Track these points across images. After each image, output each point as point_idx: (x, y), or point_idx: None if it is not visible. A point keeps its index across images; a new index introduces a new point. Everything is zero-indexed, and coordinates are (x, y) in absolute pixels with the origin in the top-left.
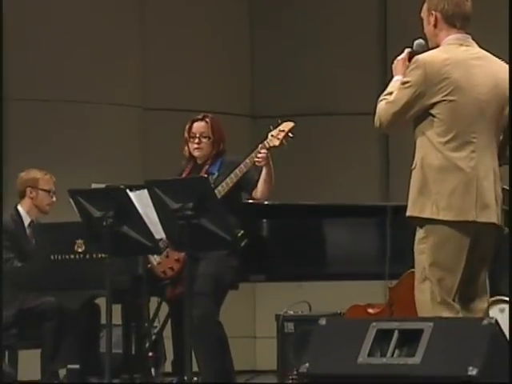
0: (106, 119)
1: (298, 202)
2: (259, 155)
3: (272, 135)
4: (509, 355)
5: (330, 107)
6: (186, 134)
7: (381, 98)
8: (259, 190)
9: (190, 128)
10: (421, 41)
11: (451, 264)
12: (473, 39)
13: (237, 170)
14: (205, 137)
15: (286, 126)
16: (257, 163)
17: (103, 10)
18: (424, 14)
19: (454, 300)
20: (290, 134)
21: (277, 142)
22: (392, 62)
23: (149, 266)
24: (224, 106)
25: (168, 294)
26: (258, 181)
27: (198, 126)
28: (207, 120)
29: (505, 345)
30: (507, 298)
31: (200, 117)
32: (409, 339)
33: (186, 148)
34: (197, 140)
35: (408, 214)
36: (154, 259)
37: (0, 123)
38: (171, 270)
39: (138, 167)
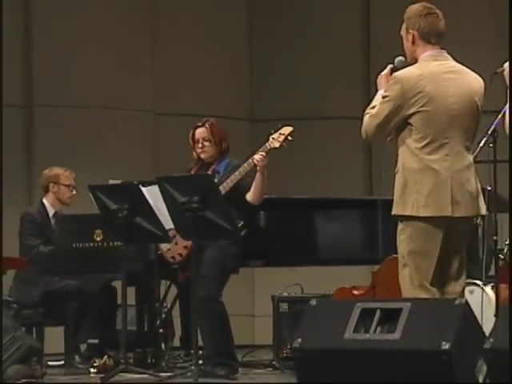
0: (122, 123)
1: (292, 196)
2: (260, 156)
3: (273, 138)
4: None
5: (322, 112)
6: (190, 141)
7: (366, 111)
8: (251, 194)
9: (193, 134)
10: (401, 58)
11: (427, 252)
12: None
13: (241, 169)
14: (206, 140)
15: (286, 129)
16: (256, 163)
17: (120, 24)
18: (403, 32)
19: (431, 284)
20: (289, 138)
21: (277, 144)
22: (376, 76)
23: (159, 252)
24: (224, 110)
25: (180, 277)
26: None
27: (200, 132)
28: (207, 126)
29: (474, 322)
30: (476, 281)
31: (200, 123)
32: (389, 317)
33: (194, 152)
34: (200, 145)
35: (393, 213)
36: (165, 246)
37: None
38: (180, 256)
39: (149, 165)
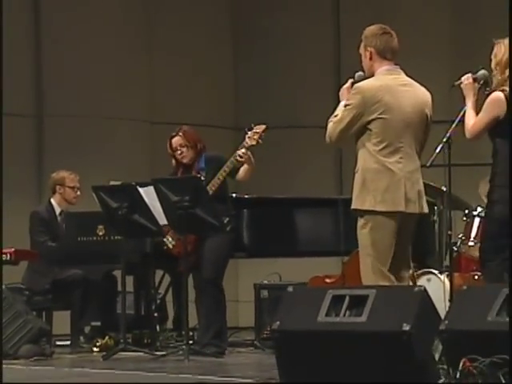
0: (121, 131)
1: (271, 196)
2: (241, 154)
3: (249, 137)
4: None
5: (298, 121)
6: (169, 150)
7: (329, 120)
8: (241, 176)
9: (171, 144)
10: (360, 73)
11: (385, 243)
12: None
13: (225, 167)
14: (183, 146)
15: (260, 127)
16: (239, 160)
17: (120, 40)
18: (361, 50)
19: (388, 271)
20: (262, 134)
21: (254, 142)
22: (339, 89)
23: (165, 247)
24: (211, 119)
25: (181, 268)
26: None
27: (175, 141)
28: (180, 134)
29: (431, 307)
30: (433, 270)
31: (174, 133)
32: (357, 303)
33: (173, 159)
34: (179, 151)
35: (352, 207)
36: (170, 242)
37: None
38: (185, 250)
39: (146, 168)
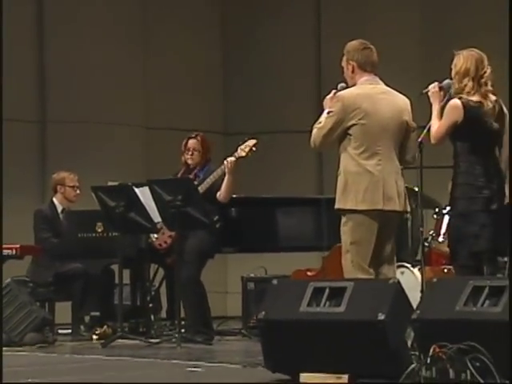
0: (119, 135)
1: (258, 196)
2: (230, 162)
3: (241, 148)
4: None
5: (283, 126)
6: (182, 148)
7: (314, 126)
8: (221, 193)
9: (186, 143)
10: (343, 84)
11: (366, 240)
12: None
13: (215, 173)
14: (196, 150)
15: (251, 142)
16: (226, 163)
17: (118, 50)
18: (344, 63)
19: (368, 266)
20: (253, 148)
21: (244, 154)
22: (323, 99)
23: (150, 241)
24: (202, 124)
25: (167, 261)
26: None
27: (192, 143)
28: (198, 138)
29: (404, 298)
30: (406, 264)
31: (193, 135)
32: (336, 294)
33: (183, 157)
34: (190, 152)
35: (336, 206)
36: (153, 236)
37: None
38: (165, 243)
39: (141, 170)
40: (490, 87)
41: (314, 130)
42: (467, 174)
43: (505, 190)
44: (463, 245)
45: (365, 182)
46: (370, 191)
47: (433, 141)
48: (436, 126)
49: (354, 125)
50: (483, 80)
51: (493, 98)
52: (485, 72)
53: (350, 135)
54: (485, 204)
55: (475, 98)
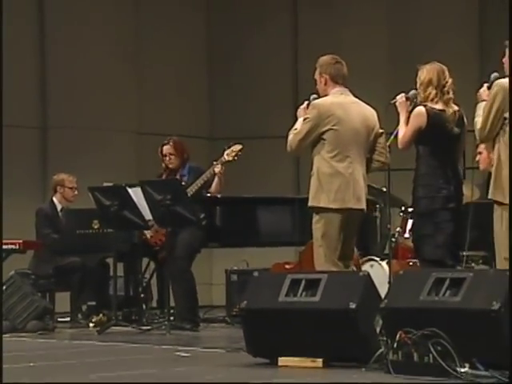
0: (113, 140)
1: (240, 196)
2: (218, 168)
3: (227, 153)
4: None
5: (265, 132)
6: (159, 154)
7: (290, 132)
8: (213, 189)
9: (162, 150)
10: (315, 95)
11: (335, 236)
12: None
13: (204, 176)
14: (172, 154)
15: (237, 147)
16: (216, 172)
17: (113, 63)
18: (317, 76)
19: (338, 259)
20: (239, 153)
21: (230, 158)
22: (297, 109)
23: (144, 237)
24: (188, 130)
25: (160, 257)
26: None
27: (166, 148)
28: (171, 143)
29: (373, 288)
30: (375, 258)
31: (166, 141)
32: (312, 285)
33: (163, 163)
34: (167, 158)
35: (309, 204)
36: (148, 233)
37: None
38: (160, 241)
39: (134, 172)
40: (451, 95)
41: (290, 136)
42: (428, 175)
43: (462, 190)
44: (426, 241)
45: (337, 182)
46: (342, 191)
47: (400, 146)
48: (402, 132)
49: (328, 130)
50: (445, 89)
51: (455, 107)
52: (446, 82)
53: (324, 140)
54: (444, 203)
55: (438, 106)
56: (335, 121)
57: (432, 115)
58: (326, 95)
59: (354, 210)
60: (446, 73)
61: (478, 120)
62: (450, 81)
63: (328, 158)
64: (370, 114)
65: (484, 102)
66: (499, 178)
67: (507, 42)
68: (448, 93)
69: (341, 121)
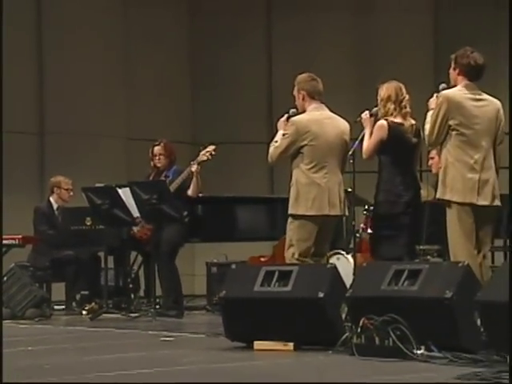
0: (105, 145)
1: (219, 195)
2: (195, 167)
3: (202, 154)
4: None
5: (241, 138)
6: (150, 154)
7: (271, 144)
8: (191, 191)
9: (152, 150)
10: (294, 110)
11: (308, 238)
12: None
13: (182, 175)
14: (161, 155)
15: (210, 148)
16: (193, 171)
17: (105, 75)
18: (295, 92)
19: (310, 257)
20: (213, 153)
21: (205, 158)
22: (277, 121)
23: (132, 232)
24: (173, 135)
25: (147, 250)
26: (189, 185)
27: (157, 149)
28: (162, 145)
29: (339, 279)
30: (341, 251)
31: (157, 143)
32: (284, 276)
33: (152, 162)
34: (157, 158)
35: (289, 212)
36: (135, 228)
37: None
38: (146, 235)
39: (123, 174)
40: (408, 110)
41: (271, 148)
42: (389, 182)
43: (420, 195)
44: (385, 242)
45: (313, 192)
46: (318, 200)
47: (364, 156)
48: (366, 144)
49: (305, 145)
50: (403, 104)
51: (412, 121)
52: (404, 97)
53: (302, 153)
54: (403, 208)
55: (398, 120)
56: (311, 137)
57: (392, 128)
58: (304, 110)
59: (330, 216)
60: (403, 89)
61: (427, 127)
62: (406, 96)
63: (305, 169)
64: (344, 127)
65: (432, 111)
66: (446, 178)
67: (453, 56)
68: (405, 107)
69: (317, 136)
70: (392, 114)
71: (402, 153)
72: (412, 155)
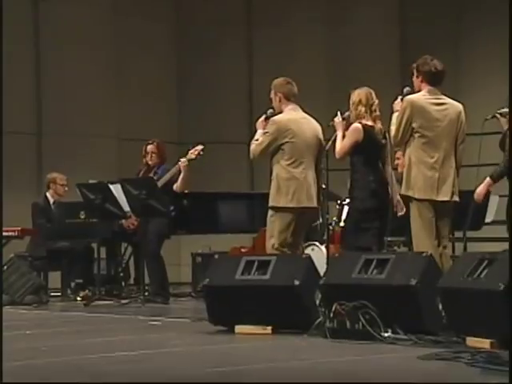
0: (98, 145)
1: (204, 191)
2: (183, 164)
3: (191, 152)
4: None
5: (224, 138)
6: (143, 152)
7: (252, 142)
8: (178, 186)
9: (146, 148)
10: (271, 110)
11: (288, 228)
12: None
13: (171, 171)
14: (153, 152)
15: (199, 147)
16: (181, 168)
17: (98, 82)
18: (272, 95)
19: (284, 247)
20: (201, 152)
21: (193, 156)
22: (256, 121)
23: (120, 223)
24: (160, 135)
25: (135, 240)
26: (177, 180)
27: (150, 147)
28: (155, 144)
29: (314, 268)
30: (315, 242)
31: (151, 142)
32: (263, 265)
33: (144, 159)
34: (149, 155)
35: (270, 204)
36: (125, 223)
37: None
38: (133, 225)
39: (115, 171)
40: (378, 113)
41: (253, 146)
42: (362, 180)
43: (389, 191)
44: (358, 233)
45: (293, 185)
46: (297, 193)
47: (338, 156)
48: (340, 145)
49: (286, 142)
50: (373, 108)
51: (380, 125)
52: (374, 102)
53: (283, 150)
54: (377, 203)
55: (368, 122)
56: (291, 135)
57: (366, 130)
58: (280, 111)
59: (307, 208)
60: (373, 95)
61: (392, 128)
62: (376, 101)
63: (285, 165)
64: (318, 127)
65: (397, 113)
66: (409, 176)
67: (415, 65)
68: (375, 111)
69: (296, 134)
70: (363, 117)
71: (374, 153)
72: (381, 155)
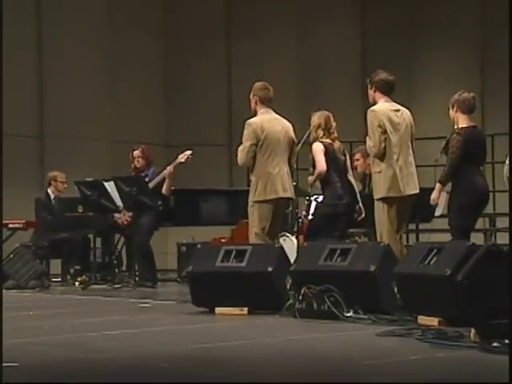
0: (94, 147)
1: (188, 188)
2: (170, 169)
3: (180, 157)
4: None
5: (209, 141)
6: (130, 157)
7: (238, 151)
8: (165, 190)
9: (132, 154)
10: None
11: (266, 218)
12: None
13: (161, 174)
14: (139, 157)
15: (188, 152)
16: (168, 172)
17: (94, 87)
18: (251, 97)
19: (266, 236)
20: (190, 157)
21: (183, 160)
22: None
23: (114, 219)
24: (148, 138)
25: (128, 233)
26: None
27: (135, 153)
28: (140, 149)
29: (285, 256)
30: (287, 233)
31: (136, 148)
32: (240, 254)
33: (132, 164)
34: (136, 160)
35: (251, 198)
36: (118, 216)
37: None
38: (127, 221)
39: (109, 170)
40: (335, 135)
41: (239, 154)
42: (331, 188)
43: (356, 196)
44: (315, 235)
45: (269, 178)
46: (273, 185)
47: (322, 173)
48: (317, 165)
49: (261, 140)
50: (331, 130)
51: (338, 144)
52: (332, 125)
53: (260, 147)
54: (344, 208)
55: (328, 141)
56: (265, 134)
57: (326, 146)
58: (256, 112)
59: (283, 199)
60: (331, 118)
61: (370, 143)
62: (334, 124)
63: (262, 160)
64: (289, 126)
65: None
66: (379, 179)
67: (368, 79)
68: (333, 133)
69: (269, 134)
70: (322, 138)
71: (336, 165)
72: (343, 168)
